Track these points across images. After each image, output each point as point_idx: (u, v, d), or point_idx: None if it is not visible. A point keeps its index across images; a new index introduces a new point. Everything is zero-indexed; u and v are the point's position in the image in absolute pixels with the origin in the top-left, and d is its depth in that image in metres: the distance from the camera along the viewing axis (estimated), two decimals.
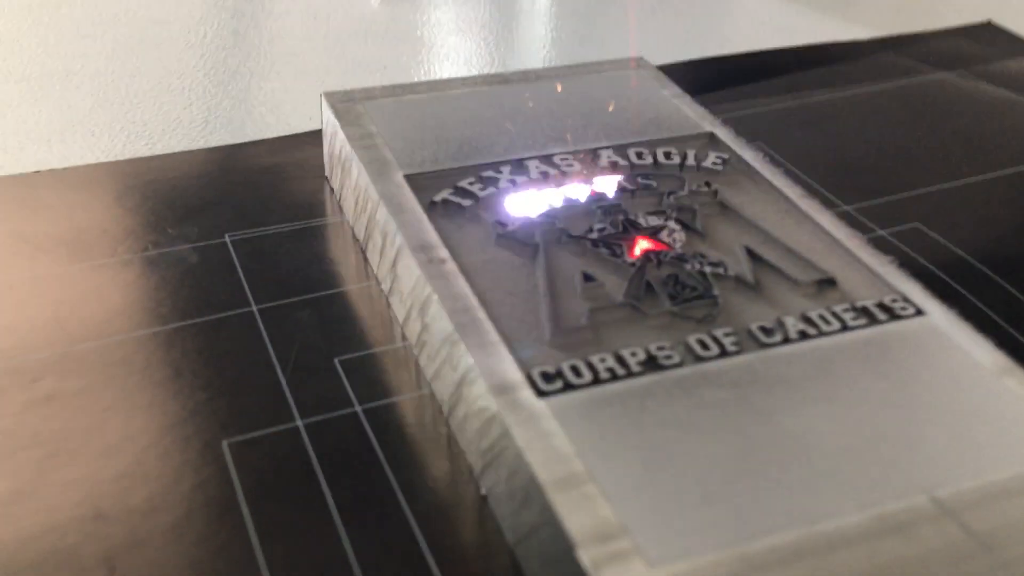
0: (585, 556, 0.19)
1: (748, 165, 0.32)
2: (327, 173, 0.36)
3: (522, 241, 0.28)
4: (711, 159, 0.32)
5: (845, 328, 0.25)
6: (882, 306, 0.26)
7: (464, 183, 0.30)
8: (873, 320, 0.26)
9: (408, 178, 0.30)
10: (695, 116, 0.34)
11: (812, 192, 0.33)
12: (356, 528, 0.23)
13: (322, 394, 0.27)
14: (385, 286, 0.30)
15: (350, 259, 0.32)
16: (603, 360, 0.24)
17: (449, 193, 0.30)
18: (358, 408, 0.27)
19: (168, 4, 0.52)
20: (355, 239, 0.33)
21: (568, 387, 0.23)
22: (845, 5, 0.56)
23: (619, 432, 0.22)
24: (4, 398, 0.26)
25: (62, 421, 0.26)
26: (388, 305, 0.30)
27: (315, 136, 0.39)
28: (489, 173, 0.31)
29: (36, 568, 0.22)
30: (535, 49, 0.50)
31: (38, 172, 0.36)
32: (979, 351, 0.25)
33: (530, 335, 0.25)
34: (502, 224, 0.29)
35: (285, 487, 0.24)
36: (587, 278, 0.27)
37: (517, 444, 0.22)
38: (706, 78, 0.43)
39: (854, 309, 0.26)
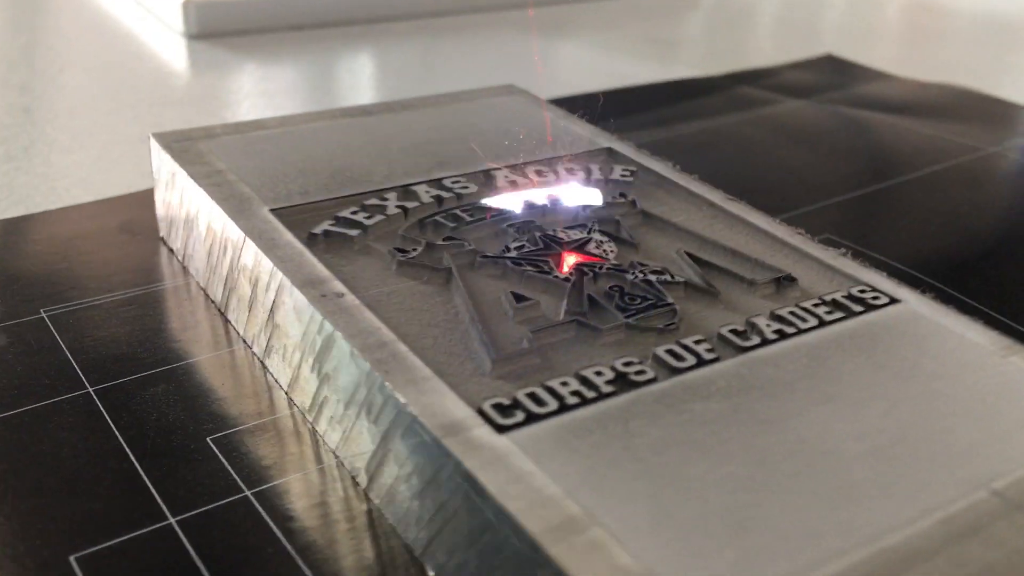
0: None
1: (659, 175, 0.29)
2: (162, 233, 0.30)
3: (430, 267, 0.23)
4: (618, 172, 0.29)
5: (823, 323, 0.22)
6: (852, 297, 0.23)
7: (346, 213, 0.25)
8: (849, 312, 0.22)
9: (276, 212, 0.25)
10: (588, 133, 0.31)
11: None
12: None
13: (197, 482, 0.21)
14: (258, 347, 0.24)
15: (204, 324, 0.26)
16: (564, 384, 0.19)
17: (330, 224, 0.25)
18: (248, 493, 0.21)
19: None
20: (209, 300, 0.27)
21: (532, 418, 0.18)
22: (662, 52, 0.55)
23: (610, 462, 0.17)
24: None
25: None
26: (265, 369, 0.24)
27: (138, 198, 0.33)
28: (373, 201, 0.26)
29: None
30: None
31: None
32: (972, 333, 0.22)
33: (465, 367, 0.20)
34: (402, 251, 0.24)
35: None
36: (517, 298, 0.22)
37: (488, 492, 0.16)
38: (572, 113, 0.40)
39: (824, 303, 0.23)
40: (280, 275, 0.22)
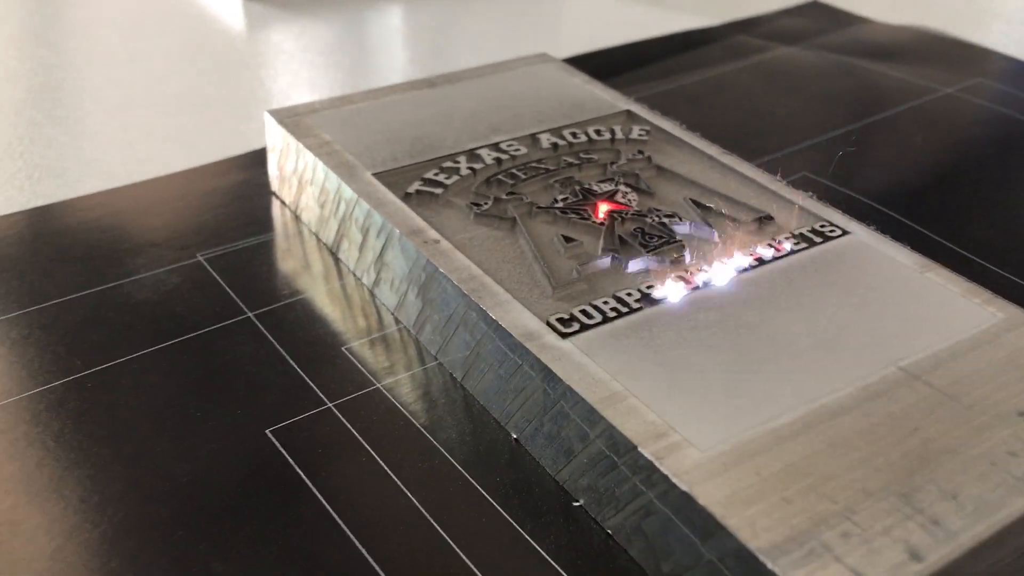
0: (646, 452, 0.23)
1: (668, 133, 0.36)
2: (274, 188, 0.38)
3: (499, 217, 0.31)
4: (636, 131, 0.36)
5: (792, 252, 0.30)
6: (815, 231, 0.31)
7: (430, 175, 0.33)
8: (811, 243, 0.30)
9: (377, 176, 0.33)
10: (610, 98, 0.39)
11: None
12: (414, 484, 0.26)
13: (342, 379, 0.29)
14: (367, 279, 0.33)
15: (320, 261, 0.34)
16: (606, 303, 0.27)
17: (420, 185, 0.33)
18: (379, 385, 0.29)
19: None
20: (320, 243, 0.35)
21: (584, 328, 0.27)
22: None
23: (640, 356, 0.26)
24: None
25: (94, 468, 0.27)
26: (373, 295, 0.32)
27: (241, 161, 0.40)
28: (448, 164, 0.34)
29: None
30: (399, 64, 0.53)
31: None
32: (900, 255, 0.30)
33: (533, 292, 0.28)
34: (477, 205, 0.32)
35: (336, 460, 0.26)
36: (567, 240, 0.30)
37: (559, 377, 0.25)
38: (587, 71, 0.47)
39: (794, 236, 0.31)
40: (390, 226, 0.30)
